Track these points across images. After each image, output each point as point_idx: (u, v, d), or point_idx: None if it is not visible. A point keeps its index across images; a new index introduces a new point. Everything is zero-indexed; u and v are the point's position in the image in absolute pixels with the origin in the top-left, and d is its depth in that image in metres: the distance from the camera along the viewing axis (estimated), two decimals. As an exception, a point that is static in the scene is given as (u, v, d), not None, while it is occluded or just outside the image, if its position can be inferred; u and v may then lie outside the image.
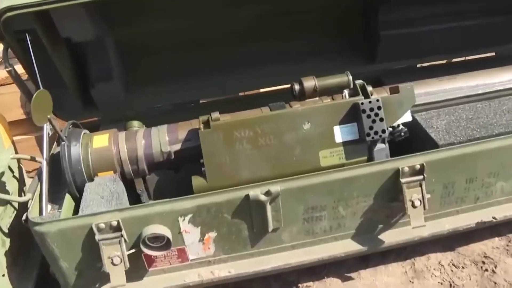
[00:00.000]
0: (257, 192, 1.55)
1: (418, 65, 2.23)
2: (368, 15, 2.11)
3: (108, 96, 2.01)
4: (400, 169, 1.59)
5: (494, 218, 1.76)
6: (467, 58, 2.29)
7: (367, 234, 1.72)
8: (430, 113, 1.85)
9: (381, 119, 1.64)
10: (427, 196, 1.63)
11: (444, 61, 2.31)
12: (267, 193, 1.56)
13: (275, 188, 1.56)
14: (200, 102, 2.19)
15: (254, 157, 1.64)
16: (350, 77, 1.73)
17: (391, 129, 1.74)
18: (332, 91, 1.76)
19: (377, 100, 1.64)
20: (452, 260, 1.88)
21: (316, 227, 1.67)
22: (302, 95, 1.74)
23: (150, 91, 2.07)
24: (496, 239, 1.94)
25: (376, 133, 1.64)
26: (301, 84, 1.73)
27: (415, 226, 1.63)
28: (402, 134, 1.74)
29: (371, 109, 1.64)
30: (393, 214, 1.69)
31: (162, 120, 1.84)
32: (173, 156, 1.75)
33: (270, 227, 1.60)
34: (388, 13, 2.02)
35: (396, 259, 1.89)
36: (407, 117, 1.73)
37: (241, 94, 2.26)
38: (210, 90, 2.11)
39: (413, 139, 1.79)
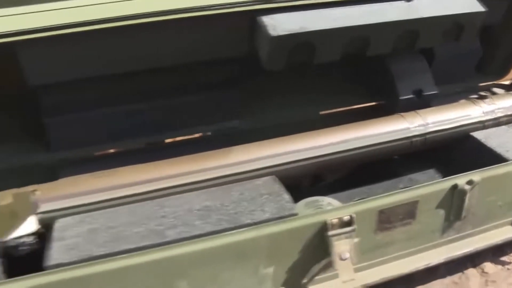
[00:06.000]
0: None
1: (99, 154, 1.93)
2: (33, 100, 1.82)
3: None
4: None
5: None
6: (170, 140, 1.98)
7: None
8: (75, 218, 1.56)
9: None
10: None
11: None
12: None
13: None
14: None
15: None
16: None
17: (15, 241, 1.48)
18: None
19: None
20: None
21: None
22: None
23: None
24: None
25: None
26: None
27: None
28: (26, 247, 1.47)
29: None
30: None
31: None
32: None
33: None
34: (49, 97, 1.74)
35: None
36: (30, 226, 1.47)
37: None
38: None
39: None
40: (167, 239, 1.47)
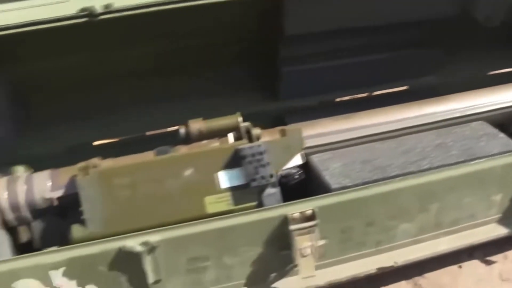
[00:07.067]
0: (132, 244, 1.45)
1: (324, 102, 2.15)
2: (268, 50, 2.03)
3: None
4: (289, 216, 1.51)
5: (395, 263, 1.67)
6: (379, 92, 2.21)
7: (259, 285, 1.61)
8: (326, 154, 1.77)
9: (265, 164, 1.57)
10: (322, 242, 1.58)
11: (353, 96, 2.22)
12: (144, 244, 1.46)
13: (154, 238, 1.47)
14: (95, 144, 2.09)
15: (134, 206, 1.58)
16: (240, 119, 1.66)
17: (286, 171, 1.70)
18: (223, 133, 1.69)
19: (259, 146, 1.58)
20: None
21: (202, 278, 1.57)
22: (189, 139, 1.67)
23: (46, 132, 1.97)
24: (403, 282, 1.83)
25: (263, 177, 1.57)
26: (187, 127, 1.67)
27: (304, 276, 1.53)
28: (297, 176, 1.67)
29: (253, 155, 1.57)
30: (285, 263, 1.59)
31: (56, 163, 1.77)
32: (56, 203, 1.67)
33: (150, 279, 1.51)
34: (290, 48, 1.95)
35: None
36: (298, 159, 1.66)
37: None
38: (109, 130, 2.02)
39: (309, 182, 1.71)
40: (424, 167, 1.70)
